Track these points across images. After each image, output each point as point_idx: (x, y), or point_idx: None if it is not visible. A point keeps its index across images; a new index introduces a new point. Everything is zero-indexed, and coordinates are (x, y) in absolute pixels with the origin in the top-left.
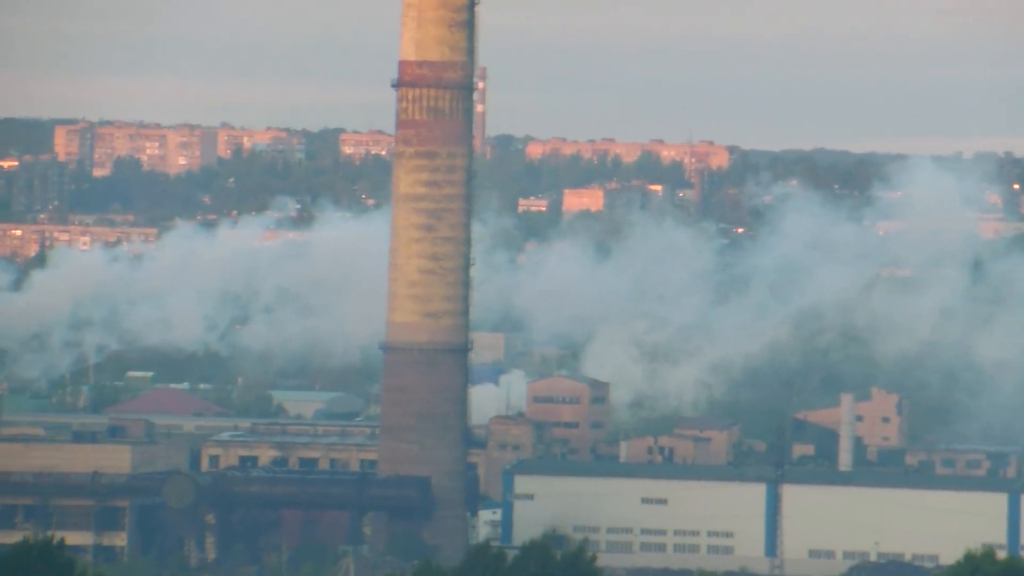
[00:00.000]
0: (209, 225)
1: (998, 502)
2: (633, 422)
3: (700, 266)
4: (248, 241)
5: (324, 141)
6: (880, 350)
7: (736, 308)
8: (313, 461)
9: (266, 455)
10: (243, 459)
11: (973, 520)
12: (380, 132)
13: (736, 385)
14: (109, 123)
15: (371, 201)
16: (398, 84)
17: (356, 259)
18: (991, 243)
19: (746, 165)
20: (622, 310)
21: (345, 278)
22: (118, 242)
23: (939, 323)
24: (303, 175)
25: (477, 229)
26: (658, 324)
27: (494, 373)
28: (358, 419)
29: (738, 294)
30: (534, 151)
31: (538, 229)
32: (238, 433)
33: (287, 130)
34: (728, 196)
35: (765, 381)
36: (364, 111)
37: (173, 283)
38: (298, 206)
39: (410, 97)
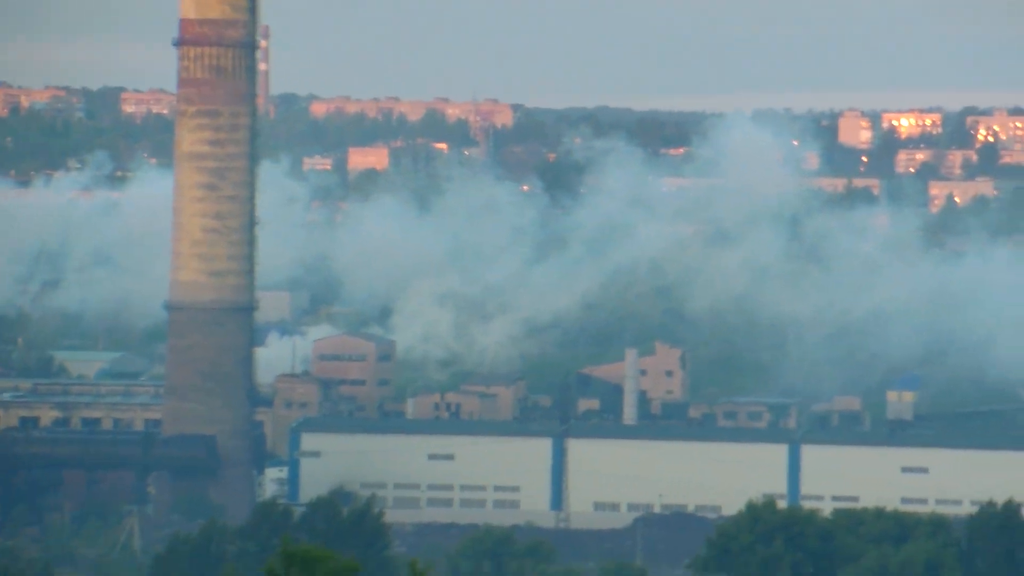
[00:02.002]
0: (22, 183)
1: (778, 453)
2: (442, 378)
3: (519, 224)
4: (59, 199)
5: (104, 100)
6: (692, 306)
7: (554, 265)
8: (96, 421)
9: (48, 415)
10: (24, 420)
11: (754, 471)
12: (162, 91)
13: (546, 342)
14: None
15: (153, 160)
16: (179, 43)
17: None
18: (805, 200)
19: (531, 123)
20: (437, 267)
21: (157, 236)
22: None
23: (751, 279)
24: (84, 134)
25: (296, 187)
26: (471, 280)
27: (295, 329)
28: (142, 379)
29: (556, 251)
30: (318, 110)
31: (359, 185)
32: (19, 394)
33: (66, 89)
34: (514, 154)
35: (575, 337)
36: (145, 70)
37: None
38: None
39: (191, 56)
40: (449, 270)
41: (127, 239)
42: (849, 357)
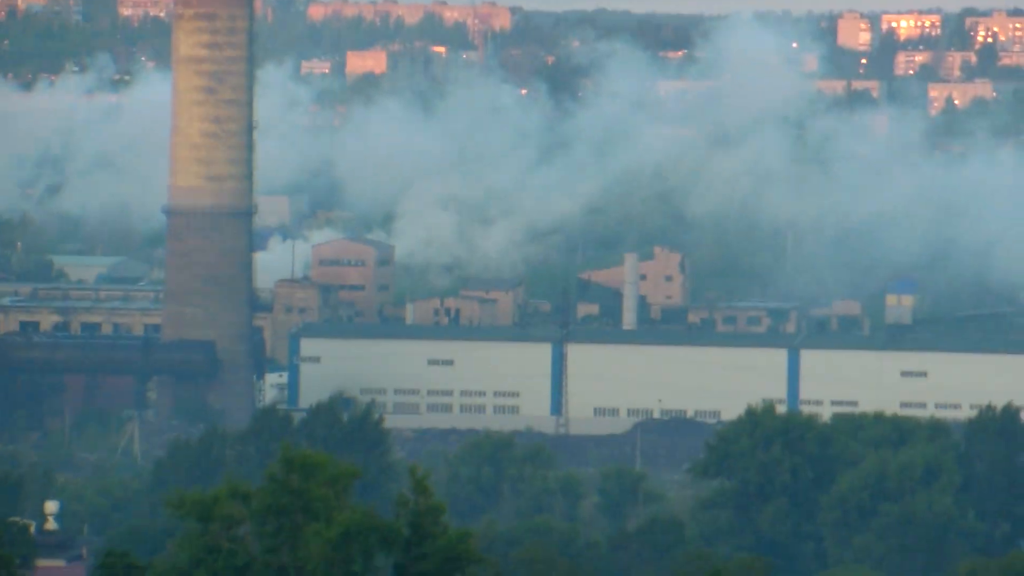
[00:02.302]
0: (24, 86)
1: (778, 358)
2: (445, 284)
3: (522, 127)
4: (61, 103)
5: (101, 3)
6: (693, 210)
7: (556, 169)
8: (96, 326)
9: (48, 320)
10: (24, 324)
11: (753, 376)
12: None
13: (548, 247)
14: None
15: (152, 64)
16: None
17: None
18: (807, 102)
19: (529, 26)
20: (439, 171)
21: (158, 141)
22: None
23: (752, 183)
24: (81, 37)
25: (299, 91)
26: (473, 184)
27: (298, 234)
28: (141, 284)
29: (559, 155)
30: (316, 13)
31: (362, 89)
32: (18, 298)
33: None
34: (512, 57)
35: (577, 242)
36: None
37: None
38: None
39: None
40: (451, 174)
41: (128, 143)
42: (850, 261)
